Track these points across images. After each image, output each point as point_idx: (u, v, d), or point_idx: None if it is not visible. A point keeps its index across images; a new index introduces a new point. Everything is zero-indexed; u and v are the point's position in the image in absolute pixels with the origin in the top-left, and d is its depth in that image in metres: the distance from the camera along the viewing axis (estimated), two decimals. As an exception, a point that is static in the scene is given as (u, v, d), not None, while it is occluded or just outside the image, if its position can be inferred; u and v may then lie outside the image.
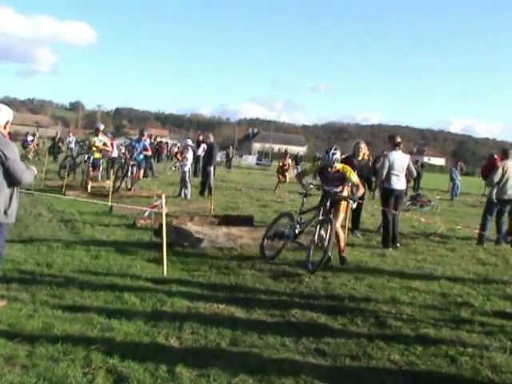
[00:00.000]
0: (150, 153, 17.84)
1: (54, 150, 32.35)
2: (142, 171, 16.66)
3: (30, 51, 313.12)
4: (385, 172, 9.72)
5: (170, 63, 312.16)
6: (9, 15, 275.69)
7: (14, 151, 5.03)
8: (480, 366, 4.44)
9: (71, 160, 19.96)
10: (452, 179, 25.12)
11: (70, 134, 36.52)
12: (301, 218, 8.11)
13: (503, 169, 10.70)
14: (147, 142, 17.59)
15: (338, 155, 7.77)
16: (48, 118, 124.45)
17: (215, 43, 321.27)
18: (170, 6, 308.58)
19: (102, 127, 16.81)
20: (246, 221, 10.43)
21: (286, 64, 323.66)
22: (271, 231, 8.27)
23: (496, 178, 10.66)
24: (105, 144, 16.47)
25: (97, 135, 16.61)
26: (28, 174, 5.15)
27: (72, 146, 33.17)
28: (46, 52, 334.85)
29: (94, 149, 16.31)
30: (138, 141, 16.79)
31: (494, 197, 10.74)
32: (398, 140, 10.07)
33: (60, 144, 33.98)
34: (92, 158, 16.19)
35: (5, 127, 5.06)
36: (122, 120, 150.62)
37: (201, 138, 23.15)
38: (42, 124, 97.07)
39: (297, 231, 7.95)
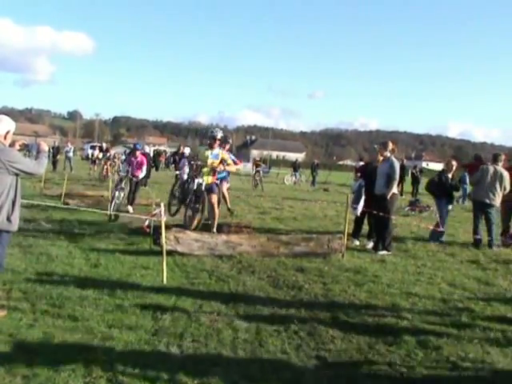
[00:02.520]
0: (240, 166, 13.54)
1: (53, 159, 32.26)
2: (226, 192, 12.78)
3: (28, 61, 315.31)
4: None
5: (167, 72, 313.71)
6: (6, 26, 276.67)
7: (15, 155, 5.12)
8: (481, 371, 4.44)
9: (179, 188, 12.26)
10: (463, 184, 24.97)
11: (68, 144, 36.49)
12: None
13: (483, 171, 11.02)
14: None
15: None
16: (46, 128, 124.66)
17: (212, 52, 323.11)
18: (167, 16, 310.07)
19: (219, 134, 10.34)
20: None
21: (282, 71, 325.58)
22: None
23: (473, 179, 11.08)
24: (223, 161, 10.20)
25: (211, 147, 10.24)
26: (39, 164, 5.38)
27: (70, 155, 33.15)
28: (43, 62, 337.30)
29: (204, 169, 10.14)
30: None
31: (472, 197, 11.16)
32: (392, 146, 10.14)
33: (58, 156, 33.82)
34: (203, 183, 10.00)
35: (5, 137, 5.08)
36: (120, 128, 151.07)
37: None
38: (41, 133, 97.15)
39: None
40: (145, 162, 14.22)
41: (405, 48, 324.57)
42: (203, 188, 9.82)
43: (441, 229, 11.19)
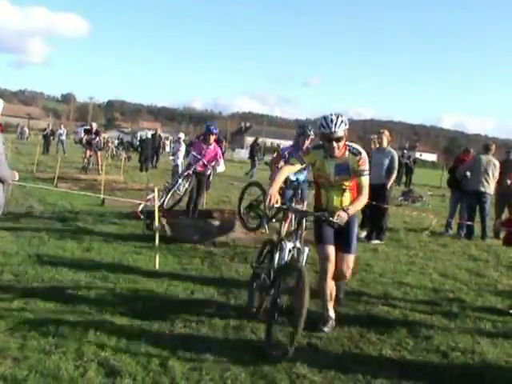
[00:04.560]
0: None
1: (46, 142, 32.08)
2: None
3: (23, 42, 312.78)
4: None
5: (162, 56, 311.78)
6: (2, 6, 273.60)
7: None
8: (471, 361, 4.46)
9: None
10: None
11: (61, 126, 36.22)
12: None
13: (475, 160, 11.23)
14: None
15: None
16: (40, 110, 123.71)
17: (208, 37, 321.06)
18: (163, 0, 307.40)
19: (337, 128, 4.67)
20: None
21: (278, 58, 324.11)
22: None
23: (462, 169, 11.24)
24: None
25: (331, 155, 4.84)
26: (6, 169, 4.94)
27: (63, 138, 32.86)
28: (38, 43, 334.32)
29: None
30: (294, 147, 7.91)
31: (465, 187, 11.27)
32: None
33: (52, 138, 33.59)
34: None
35: (-5, 117, 4.96)
36: (114, 112, 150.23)
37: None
38: (34, 116, 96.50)
39: None
40: (219, 152, 10.01)
41: (401, 39, 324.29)
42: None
43: (450, 220, 11.49)
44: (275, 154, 8.92)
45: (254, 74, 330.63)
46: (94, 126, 22.08)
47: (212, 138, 9.80)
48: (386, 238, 9.79)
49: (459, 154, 12.96)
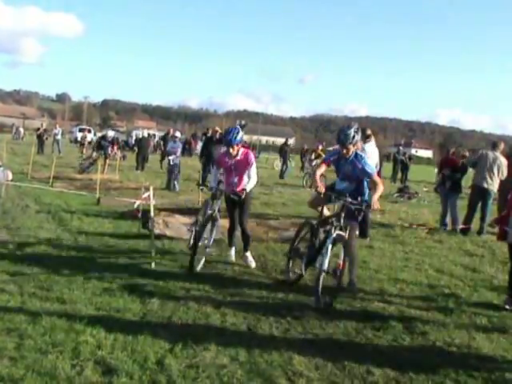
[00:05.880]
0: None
1: (40, 142, 31.93)
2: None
3: (17, 42, 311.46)
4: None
5: (157, 55, 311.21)
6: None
7: None
8: (467, 356, 4.48)
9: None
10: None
11: (57, 126, 36.07)
12: None
13: (481, 156, 11.22)
14: None
15: None
16: (35, 110, 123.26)
17: (203, 36, 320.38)
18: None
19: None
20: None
21: (273, 56, 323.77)
22: None
23: (470, 163, 11.46)
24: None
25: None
26: None
27: (59, 137, 32.71)
28: (32, 43, 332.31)
29: None
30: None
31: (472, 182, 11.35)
32: (369, 132, 10.16)
33: (45, 137, 33.40)
34: None
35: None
36: (109, 112, 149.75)
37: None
38: (29, 115, 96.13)
39: None
40: (251, 157, 7.22)
41: (395, 35, 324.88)
42: None
43: (462, 226, 11.22)
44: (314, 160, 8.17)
45: (249, 71, 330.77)
46: (111, 134, 21.35)
47: (234, 149, 7.01)
48: (379, 234, 9.81)
49: (446, 155, 12.75)
